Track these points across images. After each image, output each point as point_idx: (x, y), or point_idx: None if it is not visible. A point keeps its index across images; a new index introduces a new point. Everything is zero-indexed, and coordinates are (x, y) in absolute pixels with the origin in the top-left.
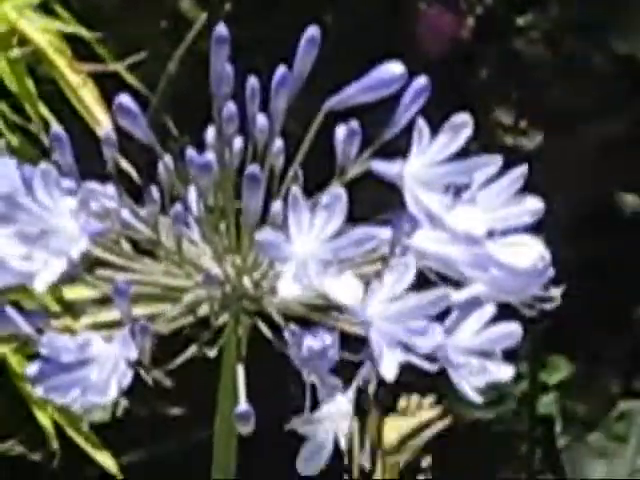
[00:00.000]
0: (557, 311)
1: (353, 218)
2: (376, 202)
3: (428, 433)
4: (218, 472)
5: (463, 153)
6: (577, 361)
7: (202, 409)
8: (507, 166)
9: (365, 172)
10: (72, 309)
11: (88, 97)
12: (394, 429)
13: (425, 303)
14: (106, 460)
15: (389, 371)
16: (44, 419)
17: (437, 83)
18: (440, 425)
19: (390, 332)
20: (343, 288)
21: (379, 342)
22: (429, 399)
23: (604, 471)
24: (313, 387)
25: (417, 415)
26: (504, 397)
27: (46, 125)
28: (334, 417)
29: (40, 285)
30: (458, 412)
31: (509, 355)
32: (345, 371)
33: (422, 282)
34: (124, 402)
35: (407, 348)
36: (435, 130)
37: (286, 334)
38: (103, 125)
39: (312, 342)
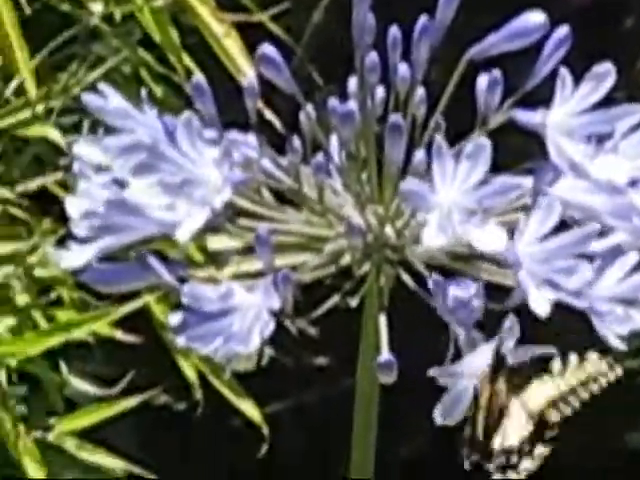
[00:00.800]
0: None
1: (495, 167)
2: (518, 151)
3: (596, 387)
4: (360, 422)
5: (607, 102)
6: None
7: (347, 359)
8: None
9: (507, 121)
10: (215, 259)
11: (232, 47)
12: (541, 392)
13: (572, 241)
14: (250, 410)
15: (541, 307)
16: (188, 369)
17: (579, 32)
18: (611, 376)
19: (539, 272)
20: (487, 236)
21: (529, 282)
22: (593, 353)
23: None
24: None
25: (580, 372)
26: None
27: (190, 75)
28: (475, 370)
29: (183, 235)
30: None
31: None
32: (486, 324)
33: None
34: (269, 352)
35: (556, 287)
36: (578, 80)
37: (430, 284)
38: (246, 75)
39: (457, 291)
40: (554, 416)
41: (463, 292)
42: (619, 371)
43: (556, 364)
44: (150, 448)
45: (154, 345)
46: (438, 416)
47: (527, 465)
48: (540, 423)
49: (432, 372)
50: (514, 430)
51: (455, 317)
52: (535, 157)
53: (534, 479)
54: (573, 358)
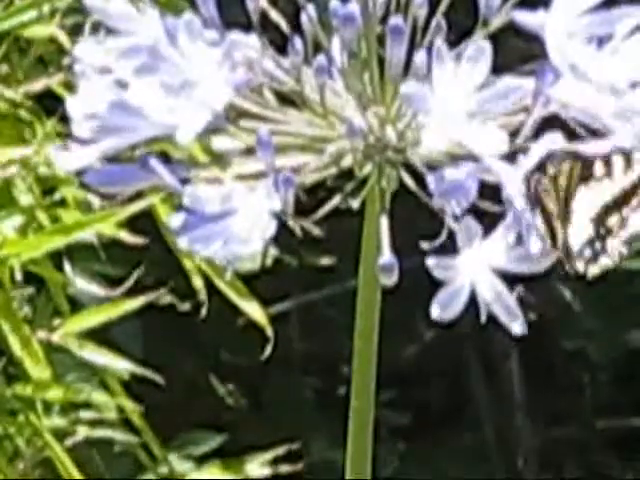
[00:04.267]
0: None
1: (497, 69)
2: (520, 53)
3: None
4: (361, 321)
5: (610, 3)
6: None
7: (351, 259)
8: None
9: (508, 23)
10: (219, 160)
11: None
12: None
13: None
14: (255, 310)
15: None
16: (192, 270)
17: None
18: None
19: None
20: (488, 138)
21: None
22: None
23: None
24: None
25: (629, 173)
26: None
27: None
28: (473, 264)
29: (184, 137)
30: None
31: None
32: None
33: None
34: (273, 252)
35: None
36: None
37: (429, 177)
38: None
39: (453, 173)
40: (613, 221)
41: (459, 173)
42: None
43: (598, 167)
44: (155, 350)
45: (159, 246)
46: (434, 310)
47: (605, 261)
48: (599, 229)
49: (429, 262)
50: (578, 234)
51: (451, 200)
52: (537, 59)
53: None
54: (618, 159)
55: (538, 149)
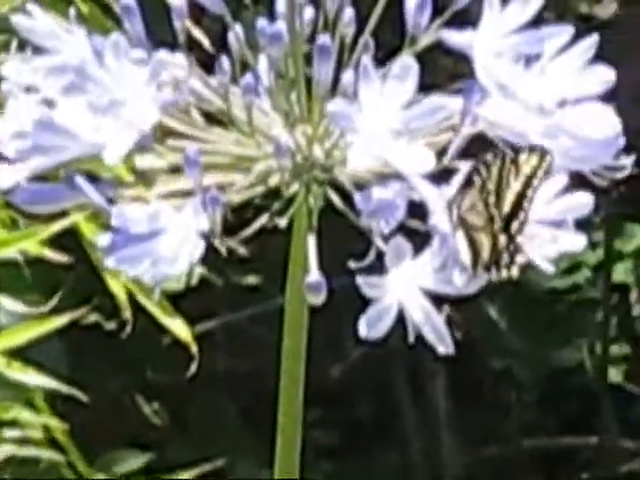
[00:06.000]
0: (632, 178)
1: (425, 88)
2: (449, 72)
3: (536, 182)
4: (289, 340)
5: (537, 22)
6: None
7: (276, 278)
8: (582, 35)
9: (436, 42)
10: (145, 179)
11: None
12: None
13: None
14: (180, 328)
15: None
16: (117, 288)
17: None
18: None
19: None
20: (413, 157)
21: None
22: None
23: None
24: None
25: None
26: (579, 265)
27: None
28: (401, 283)
29: (111, 156)
30: (534, 280)
31: (583, 224)
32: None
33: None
34: (199, 271)
35: None
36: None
37: (356, 196)
38: None
39: (380, 191)
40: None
41: (387, 192)
42: (549, 159)
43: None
44: (80, 368)
45: (84, 265)
46: (362, 328)
47: (520, 260)
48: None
49: (358, 280)
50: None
51: (379, 219)
52: (465, 78)
53: None
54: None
55: (465, 168)
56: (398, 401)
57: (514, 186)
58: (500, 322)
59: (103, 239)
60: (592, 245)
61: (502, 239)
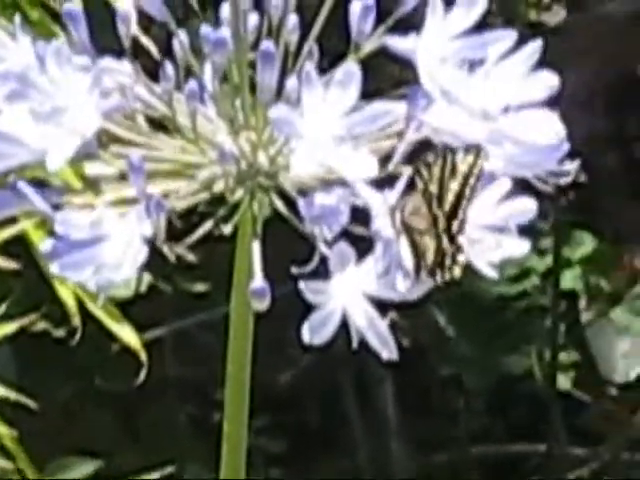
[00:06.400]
0: (579, 185)
1: (370, 94)
2: (393, 78)
3: (473, 180)
4: (234, 346)
5: (484, 28)
6: (601, 236)
7: (225, 285)
8: (528, 41)
9: (380, 48)
10: (93, 186)
11: None
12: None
13: None
14: (129, 336)
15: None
16: (66, 295)
17: None
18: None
19: None
20: (357, 163)
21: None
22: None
23: (627, 347)
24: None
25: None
26: (528, 272)
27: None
28: (345, 289)
29: (53, 163)
30: (483, 287)
31: (531, 230)
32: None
33: None
34: (147, 278)
35: None
36: (451, 5)
37: (300, 202)
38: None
39: (324, 197)
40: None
41: (330, 198)
42: (484, 156)
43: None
44: (28, 376)
45: (33, 272)
46: (306, 334)
47: (462, 259)
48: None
49: (301, 286)
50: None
51: (322, 225)
52: (410, 84)
53: None
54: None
55: (407, 174)
56: (346, 408)
57: (452, 186)
58: (448, 329)
59: (46, 245)
60: (540, 252)
61: (445, 240)
